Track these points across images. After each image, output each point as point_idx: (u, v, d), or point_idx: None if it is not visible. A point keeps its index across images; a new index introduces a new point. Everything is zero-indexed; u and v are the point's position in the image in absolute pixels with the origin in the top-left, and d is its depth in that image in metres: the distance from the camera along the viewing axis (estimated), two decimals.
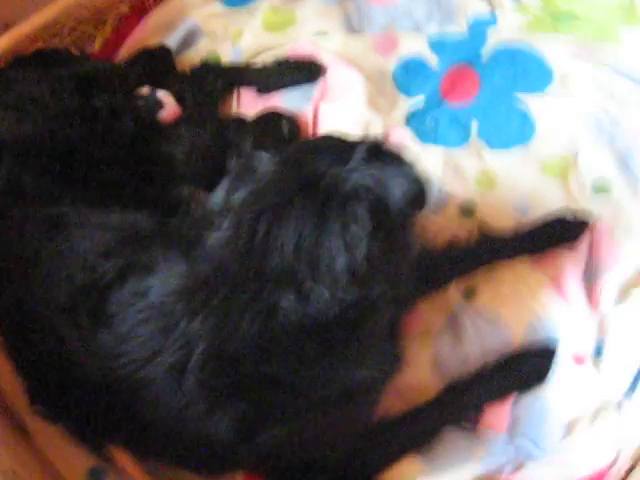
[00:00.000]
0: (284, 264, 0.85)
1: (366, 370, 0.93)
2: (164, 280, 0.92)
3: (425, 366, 1.18)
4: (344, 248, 0.85)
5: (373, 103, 1.42)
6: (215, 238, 0.92)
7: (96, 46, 1.49)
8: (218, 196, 0.99)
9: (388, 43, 1.52)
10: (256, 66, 1.48)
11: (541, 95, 1.43)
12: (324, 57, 1.46)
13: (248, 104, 1.46)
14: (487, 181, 1.36)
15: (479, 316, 1.22)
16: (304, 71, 1.46)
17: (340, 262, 0.85)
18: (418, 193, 0.90)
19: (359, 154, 0.90)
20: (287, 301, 0.84)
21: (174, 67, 1.48)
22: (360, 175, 0.88)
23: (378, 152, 0.92)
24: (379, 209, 0.87)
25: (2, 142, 1.10)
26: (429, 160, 1.35)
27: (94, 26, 1.49)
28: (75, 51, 1.45)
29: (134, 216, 1.07)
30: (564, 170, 1.35)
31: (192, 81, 1.43)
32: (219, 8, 1.56)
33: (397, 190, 0.88)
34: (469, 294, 1.24)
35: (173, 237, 0.99)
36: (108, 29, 1.50)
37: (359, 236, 0.85)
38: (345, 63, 1.45)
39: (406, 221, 0.93)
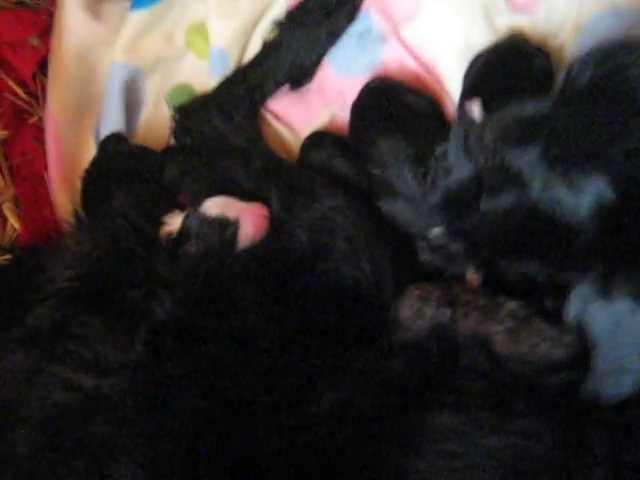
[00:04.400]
0: None
1: None
2: None
3: None
4: None
5: None
6: None
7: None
8: None
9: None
10: (263, 54, 0.84)
11: None
12: None
13: (300, 115, 0.84)
14: None
15: None
16: (335, 10, 0.83)
17: None
18: None
19: None
20: None
21: (154, 152, 0.82)
22: None
23: None
24: None
25: None
26: None
27: None
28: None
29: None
30: None
31: (217, 148, 0.78)
32: (136, 16, 0.85)
33: None
34: None
35: None
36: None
37: None
38: None
39: None
